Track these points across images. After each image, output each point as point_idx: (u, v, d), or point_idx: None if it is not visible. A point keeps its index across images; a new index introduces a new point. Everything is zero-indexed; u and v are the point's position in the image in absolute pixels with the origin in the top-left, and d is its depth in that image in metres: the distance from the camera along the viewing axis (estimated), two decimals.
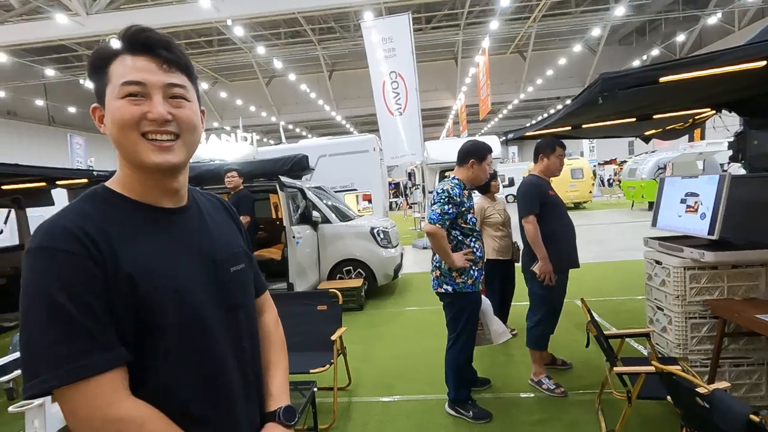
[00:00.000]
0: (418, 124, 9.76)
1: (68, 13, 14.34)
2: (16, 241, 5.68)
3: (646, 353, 3.35)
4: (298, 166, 5.71)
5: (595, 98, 2.34)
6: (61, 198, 5.07)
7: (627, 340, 3.06)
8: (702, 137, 15.25)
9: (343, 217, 6.25)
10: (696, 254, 2.54)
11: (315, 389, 2.56)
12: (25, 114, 22.05)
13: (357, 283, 5.58)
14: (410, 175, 16.03)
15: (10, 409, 2.13)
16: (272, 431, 0.91)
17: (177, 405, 0.77)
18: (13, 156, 19.20)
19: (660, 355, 2.72)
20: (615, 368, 2.21)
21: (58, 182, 4.76)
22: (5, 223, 6.29)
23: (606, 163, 26.74)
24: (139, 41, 0.78)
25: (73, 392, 0.67)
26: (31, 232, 4.88)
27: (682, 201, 2.76)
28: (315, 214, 5.75)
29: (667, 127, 5.03)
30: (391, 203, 18.07)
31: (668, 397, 1.93)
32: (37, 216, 5.15)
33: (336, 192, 8.12)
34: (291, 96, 26.51)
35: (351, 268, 5.92)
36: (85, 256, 0.70)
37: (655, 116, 4.01)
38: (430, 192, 10.41)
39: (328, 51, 21.96)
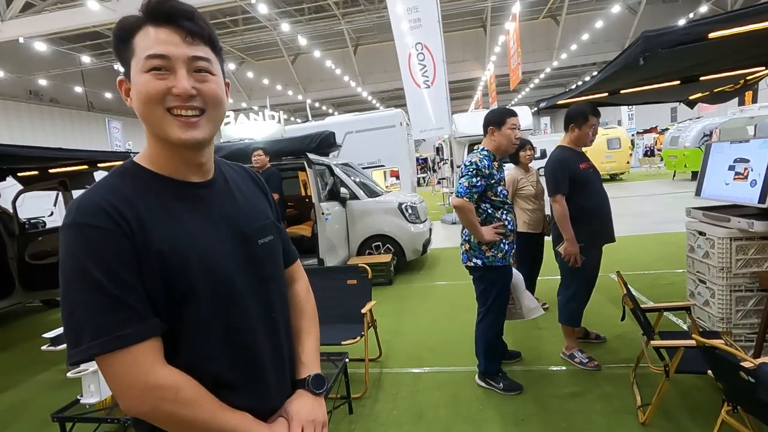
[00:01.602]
0: (446, 96, 9.52)
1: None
2: None
3: (685, 327, 3.25)
4: (325, 143, 5.73)
5: (635, 59, 2.19)
6: None
7: (665, 314, 2.96)
8: (754, 100, 14.14)
9: (371, 193, 6.25)
10: (744, 224, 2.39)
11: (347, 360, 2.64)
12: (66, 100, 23.00)
13: (386, 258, 5.62)
14: (438, 150, 15.77)
15: (69, 374, 2.31)
16: (301, 398, 0.93)
17: (209, 373, 0.79)
18: (57, 141, 20.24)
19: (701, 329, 2.62)
20: (652, 341, 2.15)
21: (99, 165, 4.98)
22: (55, 205, 6.69)
23: (645, 131, 25.30)
24: (162, 11, 0.76)
25: (112, 360, 0.70)
26: None
27: (731, 168, 2.59)
28: (343, 190, 5.78)
29: (715, 90, 4.69)
30: (418, 179, 17.90)
31: (709, 372, 1.87)
32: None
33: (363, 168, 8.12)
34: (316, 73, 26.35)
35: (380, 243, 5.96)
36: (115, 231, 0.71)
37: (701, 78, 3.74)
38: (458, 166, 10.23)
39: (352, 25, 21.54)
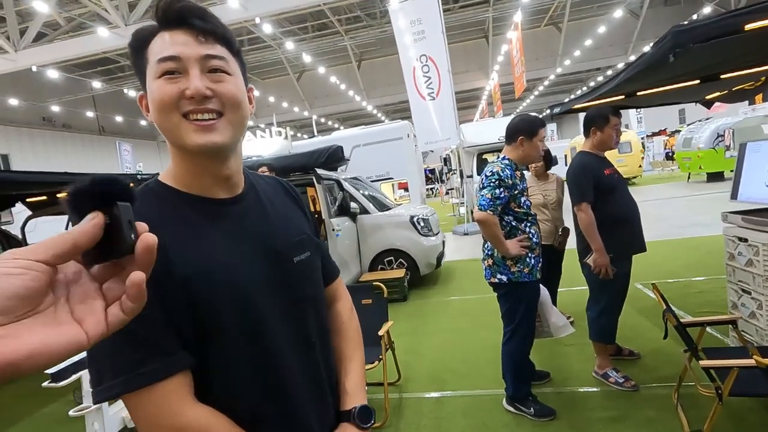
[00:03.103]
0: (453, 107, 9.44)
1: (109, 26, 14.96)
2: None
3: (729, 342, 3.02)
4: (334, 157, 5.62)
5: (664, 56, 2.05)
6: None
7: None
8: (765, 99, 13.86)
9: (381, 206, 6.12)
10: None
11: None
12: (78, 125, 23.41)
13: (399, 273, 5.46)
14: (446, 161, 15.66)
15: (71, 413, 2.17)
16: None
17: (243, 408, 0.73)
18: (70, 165, 20.55)
19: (749, 344, 2.40)
20: (701, 362, 1.95)
21: None
22: (66, 229, 6.66)
23: (654, 134, 24.96)
24: (172, 12, 0.70)
25: (137, 399, 0.65)
26: None
27: None
28: (353, 205, 5.66)
29: (734, 88, 4.52)
30: (427, 190, 17.77)
31: None
32: None
33: (372, 182, 8.01)
34: (321, 89, 26.58)
35: (392, 258, 5.80)
36: None
37: (723, 76, 3.58)
38: (469, 176, 10.08)
39: (355, 41, 21.75)
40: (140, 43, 0.72)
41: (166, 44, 0.70)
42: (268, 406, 0.76)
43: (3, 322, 0.34)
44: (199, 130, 0.70)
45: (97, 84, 20.28)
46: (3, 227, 5.97)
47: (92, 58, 17.84)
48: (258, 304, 0.75)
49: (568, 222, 3.20)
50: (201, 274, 0.70)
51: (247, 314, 0.74)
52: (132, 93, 22.03)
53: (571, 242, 3.09)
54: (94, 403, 0.65)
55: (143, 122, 26.11)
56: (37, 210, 5.35)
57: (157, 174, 0.81)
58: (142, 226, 0.43)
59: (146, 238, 0.42)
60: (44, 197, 5.08)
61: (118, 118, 24.50)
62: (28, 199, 5.21)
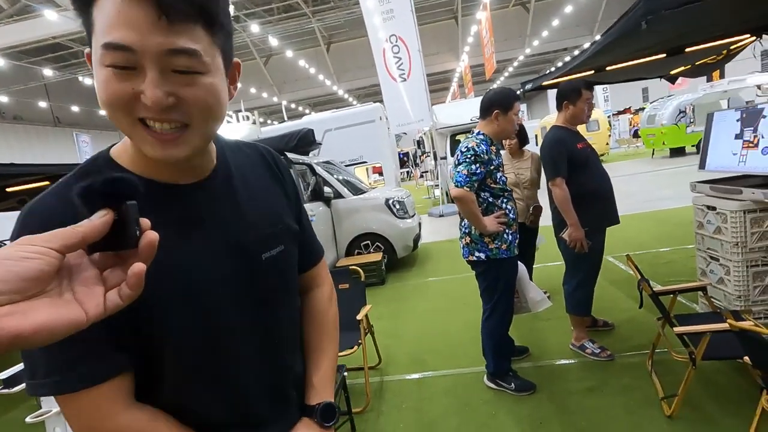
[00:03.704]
0: (424, 88, 9.34)
1: (57, 9, 13.95)
2: None
3: (698, 308, 3.12)
4: (304, 141, 5.46)
5: (637, 23, 2.02)
6: None
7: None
8: (721, 76, 14.39)
9: (356, 190, 6.01)
10: (759, 194, 2.25)
11: (345, 373, 2.41)
12: (31, 117, 22.02)
13: (377, 257, 5.40)
14: (419, 143, 15.61)
15: (27, 419, 2.02)
16: (307, 429, 0.79)
17: (195, 414, 0.68)
18: (24, 159, 19.35)
19: (718, 310, 2.47)
20: (676, 328, 1.98)
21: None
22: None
23: (620, 112, 25.65)
24: None
25: (68, 401, 0.60)
26: None
27: (737, 137, 2.45)
28: (327, 189, 5.52)
29: (697, 62, 4.62)
30: (402, 173, 17.72)
31: (745, 358, 1.71)
32: None
33: (346, 166, 7.87)
34: (290, 74, 25.88)
35: (369, 242, 5.73)
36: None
37: (687, 49, 3.63)
38: (443, 158, 10.06)
39: (323, 23, 21.18)
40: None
41: (116, 18, 0.50)
42: (223, 414, 0.71)
43: (16, 300, 0.38)
44: (156, 143, 0.57)
45: (48, 72, 19.05)
46: None
47: (41, 44, 16.69)
48: (214, 305, 0.66)
49: (545, 197, 3.18)
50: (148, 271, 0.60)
51: (199, 319, 0.65)
52: (88, 81, 20.77)
53: (546, 219, 3.09)
54: (29, 394, 0.63)
55: (102, 112, 24.83)
56: None
57: (109, 147, 0.68)
58: (145, 222, 0.47)
59: (149, 235, 0.46)
60: None
61: (75, 108, 23.16)
62: None
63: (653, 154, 14.91)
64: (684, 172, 9.74)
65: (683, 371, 2.09)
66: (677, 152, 13.68)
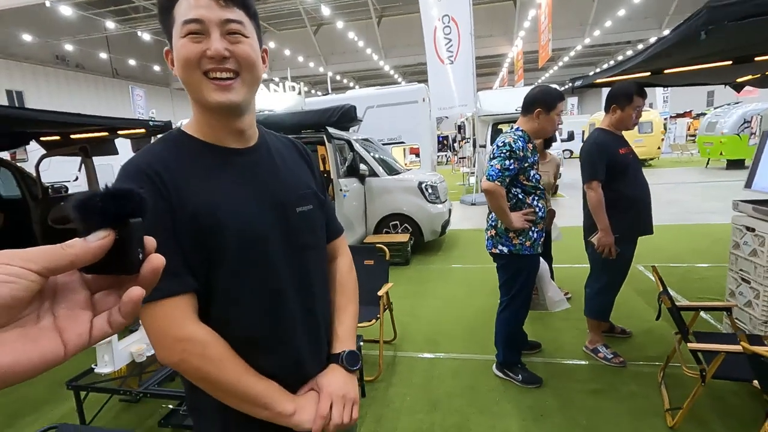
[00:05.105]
0: (472, 72, 9.15)
1: None
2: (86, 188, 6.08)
3: (721, 328, 3.06)
4: (346, 116, 5.55)
5: (695, 33, 1.96)
6: (124, 149, 5.30)
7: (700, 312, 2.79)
8: None
9: (391, 170, 6.10)
10: None
11: (361, 342, 2.57)
12: (91, 66, 23.13)
13: (404, 238, 5.52)
14: (460, 128, 15.36)
15: None
16: (334, 372, 0.93)
17: (238, 331, 0.82)
18: (83, 106, 20.51)
19: (740, 332, 2.44)
20: (689, 344, 1.99)
21: (119, 132, 4.94)
22: (79, 170, 6.76)
23: (679, 115, 24.06)
24: None
25: (147, 311, 0.75)
26: (98, 179, 5.13)
27: None
28: (362, 166, 5.64)
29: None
30: (439, 157, 17.54)
31: (755, 381, 1.72)
32: (105, 164, 5.45)
33: (383, 145, 7.93)
34: (339, 45, 25.78)
35: (398, 222, 5.85)
36: (154, 192, 0.76)
37: (757, 58, 3.42)
38: (482, 145, 9.92)
39: None
40: (168, 3, 0.80)
41: (191, 7, 0.78)
42: (262, 332, 0.85)
43: None
44: (218, 89, 0.79)
45: (110, 24, 19.85)
46: (18, 164, 6.06)
47: None
48: (260, 237, 0.84)
49: (578, 198, 3.16)
50: (208, 209, 0.79)
51: (249, 244, 0.82)
52: (146, 36, 21.54)
53: (571, 220, 3.08)
54: None
55: (157, 68, 25.70)
56: (51, 149, 5.41)
57: (169, 122, 0.91)
58: (150, 243, 0.40)
59: (154, 260, 0.40)
60: (58, 137, 5.12)
61: (132, 62, 24.12)
62: (42, 138, 5.26)
63: (708, 163, 14.06)
64: (738, 186, 9.18)
65: (693, 387, 2.10)
66: (735, 165, 12.84)
